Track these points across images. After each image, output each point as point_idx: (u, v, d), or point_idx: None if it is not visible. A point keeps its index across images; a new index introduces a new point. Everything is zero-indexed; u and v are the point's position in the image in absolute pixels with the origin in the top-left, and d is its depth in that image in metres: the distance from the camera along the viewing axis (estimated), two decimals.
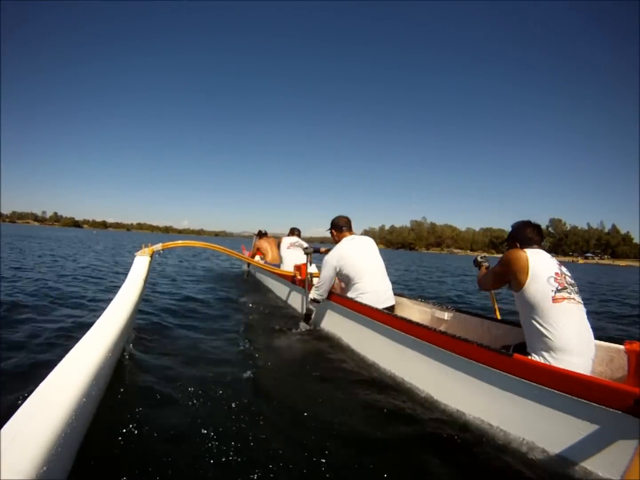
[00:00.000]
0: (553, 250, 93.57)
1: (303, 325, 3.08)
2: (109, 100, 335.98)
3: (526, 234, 1.84)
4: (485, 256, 2.39)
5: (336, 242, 3.01)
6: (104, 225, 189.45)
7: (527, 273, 1.64)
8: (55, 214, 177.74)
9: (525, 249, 1.73)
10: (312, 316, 3.10)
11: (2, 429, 0.90)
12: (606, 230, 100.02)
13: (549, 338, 1.56)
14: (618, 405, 1.18)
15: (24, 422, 0.95)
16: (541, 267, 1.65)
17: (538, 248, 1.78)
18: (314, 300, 2.98)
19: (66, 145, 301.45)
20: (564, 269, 1.70)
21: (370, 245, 2.95)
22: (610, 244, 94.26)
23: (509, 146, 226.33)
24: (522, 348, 1.74)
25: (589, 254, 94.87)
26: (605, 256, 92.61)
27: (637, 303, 7.20)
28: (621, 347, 1.76)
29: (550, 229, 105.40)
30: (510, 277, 1.73)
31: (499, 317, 2.48)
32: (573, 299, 1.62)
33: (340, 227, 3.02)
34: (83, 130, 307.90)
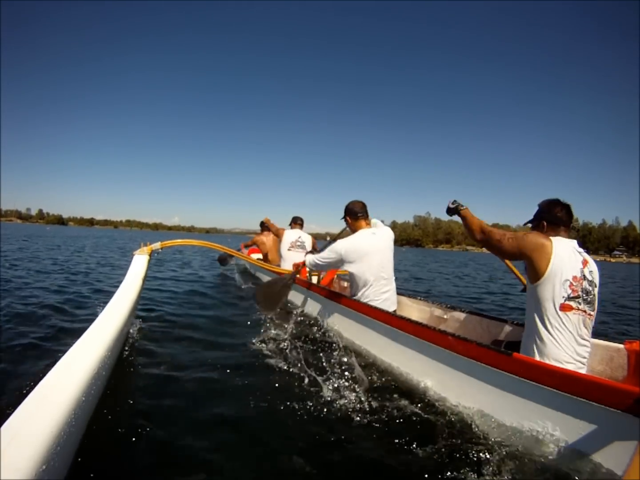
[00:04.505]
0: None
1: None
2: (98, 96, 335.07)
3: (554, 213, 1.67)
4: (456, 200, 1.92)
5: (353, 231, 2.71)
6: (90, 222, 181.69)
7: (546, 268, 1.50)
8: (40, 211, 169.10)
9: (552, 238, 1.56)
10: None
11: (2, 428, 0.90)
12: (621, 226, 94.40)
13: (544, 342, 1.52)
14: (618, 405, 1.18)
15: (24, 421, 0.95)
16: (561, 267, 1.50)
17: (566, 231, 1.64)
18: (308, 264, 2.86)
19: (54, 141, 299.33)
20: (588, 270, 1.55)
21: (388, 243, 2.64)
22: (638, 240, 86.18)
23: (512, 142, 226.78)
24: (515, 346, 1.72)
25: (616, 252, 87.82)
26: (635, 255, 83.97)
27: None
28: (621, 346, 1.76)
29: None
30: (526, 262, 1.58)
31: (524, 282, 1.88)
32: (583, 310, 1.52)
33: (356, 213, 2.67)
34: (71, 126, 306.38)
